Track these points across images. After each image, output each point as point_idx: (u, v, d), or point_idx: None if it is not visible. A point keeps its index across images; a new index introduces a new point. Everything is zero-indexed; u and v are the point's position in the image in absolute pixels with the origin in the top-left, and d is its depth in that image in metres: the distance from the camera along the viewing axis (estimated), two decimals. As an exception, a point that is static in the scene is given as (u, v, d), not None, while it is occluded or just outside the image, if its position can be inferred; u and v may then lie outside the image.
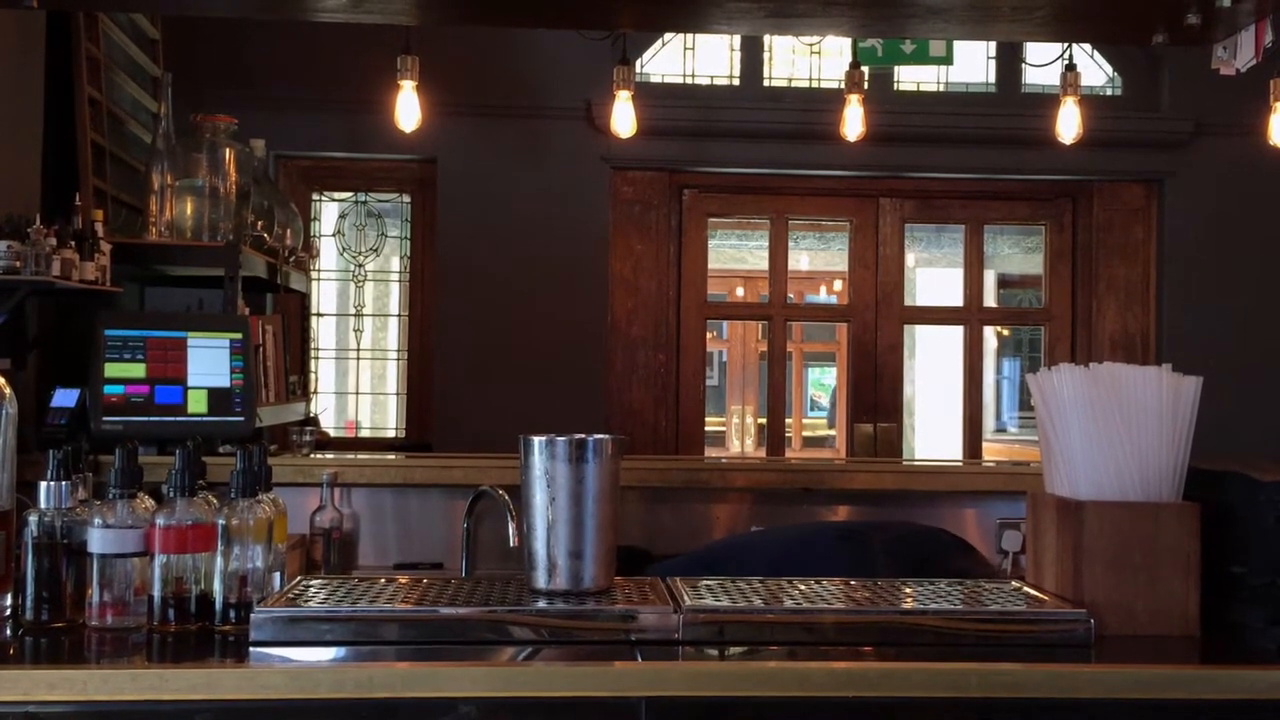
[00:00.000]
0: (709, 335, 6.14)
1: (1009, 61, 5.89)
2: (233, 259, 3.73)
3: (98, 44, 4.11)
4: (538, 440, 1.39)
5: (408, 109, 4.60)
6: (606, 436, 1.41)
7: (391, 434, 5.90)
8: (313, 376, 5.56)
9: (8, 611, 1.36)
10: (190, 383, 3.36)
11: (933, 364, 8.40)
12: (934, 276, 8.28)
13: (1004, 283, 8.32)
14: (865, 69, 4.81)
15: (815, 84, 5.96)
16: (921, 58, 5.30)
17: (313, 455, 3.57)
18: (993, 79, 6.00)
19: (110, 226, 3.73)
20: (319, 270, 5.68)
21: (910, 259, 6.73)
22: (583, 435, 1.40)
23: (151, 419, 3.30)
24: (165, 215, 3.88)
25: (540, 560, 1.37)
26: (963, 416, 6.05)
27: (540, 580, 1.37)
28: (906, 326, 6.18)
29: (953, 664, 1.22)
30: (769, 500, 3.24)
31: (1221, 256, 5.76)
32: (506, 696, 1.17)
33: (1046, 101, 5.15)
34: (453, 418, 5.47)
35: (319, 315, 5.88)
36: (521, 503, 1.40)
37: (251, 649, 1.24)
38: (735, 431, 8.21)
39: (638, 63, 5.56)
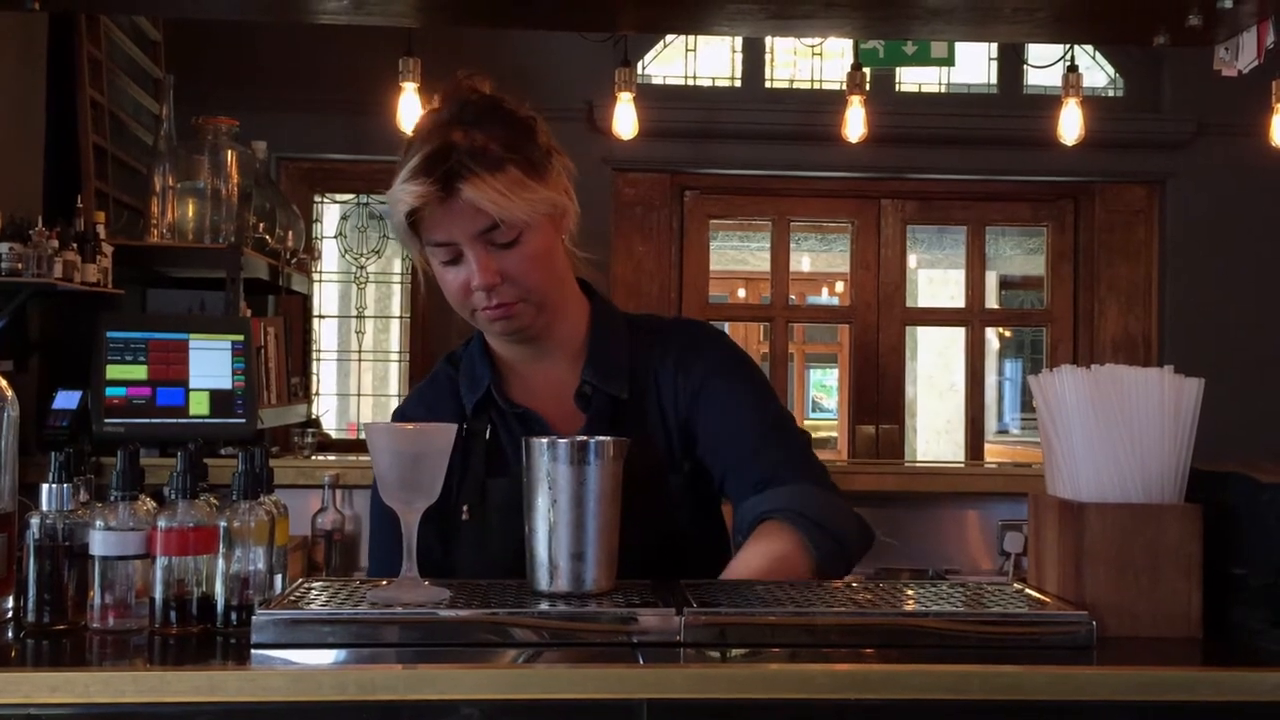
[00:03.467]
0: (711, 337, 6.12)
1: (1011, 63, 5.89)
2: (234, 261, 3.73)
3: (99, 46, 4.11)
4: (539, 442, 1.39)
5: (410, 111, 4.61)
6: (608, 439, 1.41)
7: (393, 436, 5.90)
8: (314, 378, 5.56)
9: (9, 614, 1.36)
10: (192, 384, 3.36)
11: (934, 365, 8.40)
12: (936, 278, 8.29)
13: (1006, 284, 8.33)
14: (867, 70, 4.81)
15: (817, 85, 5.96)
16: (923, 59, 5.30)
17: (314, 457, 3.58)
18: (994, 80, 6.00)
19: (112, 228, 3.73)
20: (320, 272, 5.68)
21: (912, 260, 6.74)
22: (584, 437, 1.40)
23: (153, 421, 3.30)
24: (167, 217, 3.88)
25: (541, 562, 1.37)
26: (964, 418, 6.05)
27: (542, 582, 1.37)
28: (908, 328, 6.18)
29: (954, 666, 1.22)
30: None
31: (1223, 257, 5.76)
32: (508, 699, 1.17)
33: (1048, 103, 5.15)
34: (454, 419, 5.47)
35: (320, 317, 5.88)
36: (523, 504, 1.40)
37: (253, 651, 1.24)
38: (737, 433, 8.19)
39: (639, 64, 5.57)
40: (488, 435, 1.67)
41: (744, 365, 1.75)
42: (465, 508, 1.63)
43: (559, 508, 1.37)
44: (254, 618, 1.26)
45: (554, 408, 1.68)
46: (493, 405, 1.68)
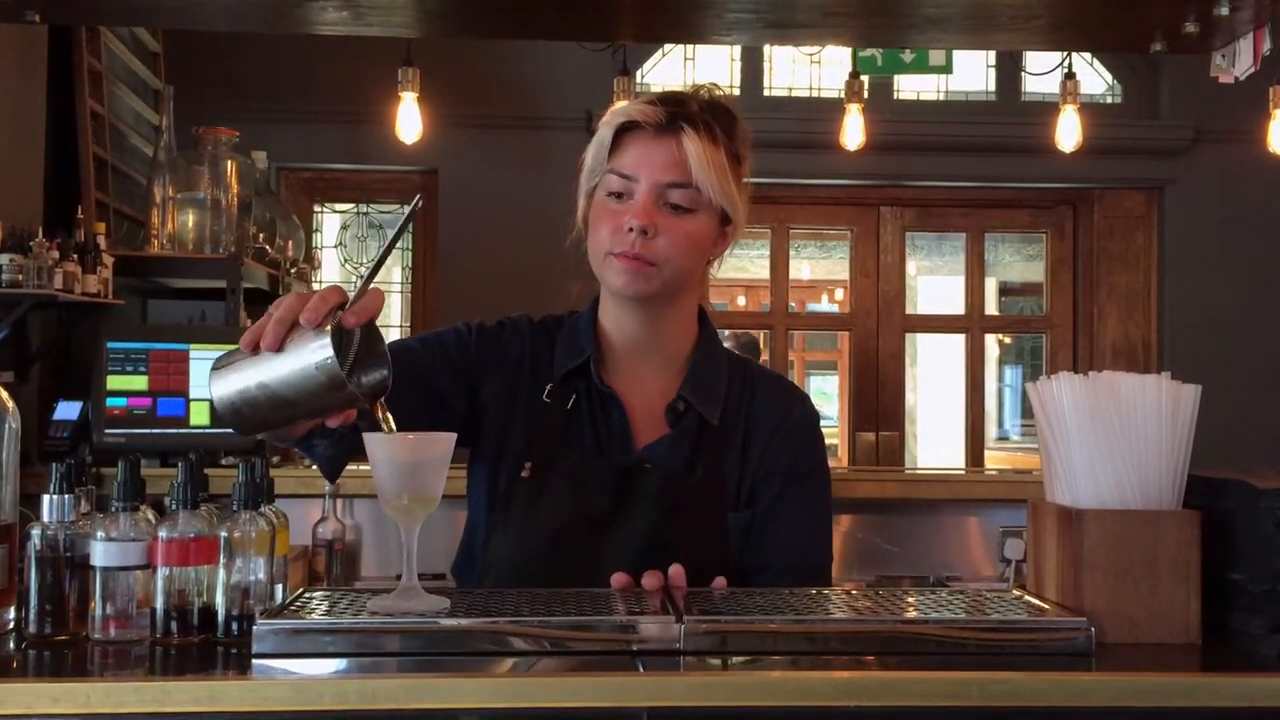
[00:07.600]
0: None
1: (1008, 70, 5.91)
2: (234, 271, 3.73)
3: (99, 57, 4.12)
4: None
5: (409, 120, 4.62)
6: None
7: (394, 445, 5.89)
8: (315, 388, 5.55)
9: (11, 625, 1.36)
10: (192, 395, 3.37)
11: (934, 372, 8.39)
12: (935, 284, 8.28)
13: (1005, 290, 8.32)
14: (865, 78, 4.82)
15: (815, 93, 5.97)
16: (921, 67, 5.31)
17: (315, 467, 3.57)
18: (992, 87, 6.01)
19: (112, 239, 3.74)
20: (321, 281, 5.68)
21: (911, 267, 6.74)
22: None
23: (154, 431, 3.30)
24: (167, 228, 3.89)
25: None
26: (965, 424, 6.05)
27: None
28: (908, 334, 6.19)
29: (954, 673, 1.22)
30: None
31: (1222, 263, 5.77)
32: (509, 707, 1.18)
33: (1046, 110, 5.16)
34: (455, 428, 5.47)
35: (321, 326, 5.87)
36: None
37: (254, 661, 1.24)
38: (737, 440, 8.17)
39: (638, 73, 5.57)
40: (569, 404, 1.67)
41: (824, 486, 1.74)
42: (529, 465, 1.64)
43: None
44: (255, 628, 1.26)
45: (641, 407, 1.68)
46: (584, 377, 1.68)
